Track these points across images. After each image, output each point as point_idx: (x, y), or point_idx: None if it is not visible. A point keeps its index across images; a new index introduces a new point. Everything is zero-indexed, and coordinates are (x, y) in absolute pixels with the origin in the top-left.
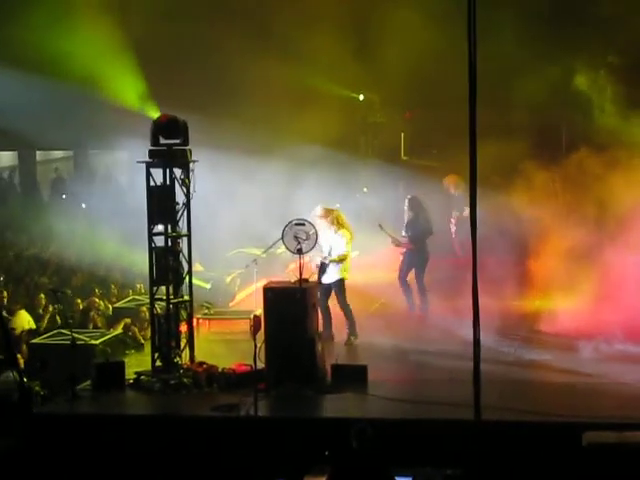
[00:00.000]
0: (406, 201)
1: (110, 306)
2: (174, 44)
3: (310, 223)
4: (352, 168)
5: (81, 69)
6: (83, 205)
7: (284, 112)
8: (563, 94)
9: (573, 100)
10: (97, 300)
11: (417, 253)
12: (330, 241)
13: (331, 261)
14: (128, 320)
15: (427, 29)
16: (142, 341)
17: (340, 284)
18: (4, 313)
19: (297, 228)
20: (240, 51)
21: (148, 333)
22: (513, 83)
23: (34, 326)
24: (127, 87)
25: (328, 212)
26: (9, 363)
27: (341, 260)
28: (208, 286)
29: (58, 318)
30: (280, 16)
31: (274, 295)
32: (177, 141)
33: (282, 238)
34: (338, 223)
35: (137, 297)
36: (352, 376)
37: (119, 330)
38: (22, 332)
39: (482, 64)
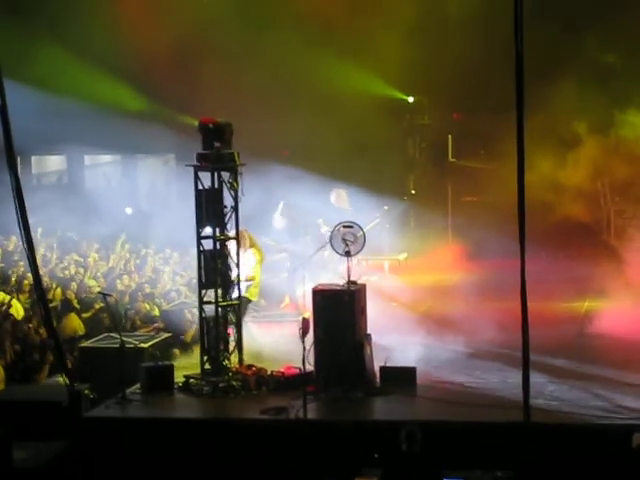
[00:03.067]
0: None
1: (157, 308)
2: (225, 47)
3: (358, 225)
4: (400, 170)
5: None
6: (129, 210)
7: (332, 114)
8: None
9: None
10: (142, 304)
11: None
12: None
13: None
14: (158, 325)
15: (476, 31)
16: (187, 341)
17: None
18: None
19: (345, 230)
20: (294, 54)
21: (189, 336)
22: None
23: (84, 330)
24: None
25: (241, 232)
26: (59, 367)
27: (249, 280)
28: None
29: (107, 321)
30: (337, 19)
31: (323, 298)
32: (225, 145)
33: (330, 241)
34: (250, 243)
35: (185, 300)
36: (401, 378)
37: (167, 333)
38: (72, 335)
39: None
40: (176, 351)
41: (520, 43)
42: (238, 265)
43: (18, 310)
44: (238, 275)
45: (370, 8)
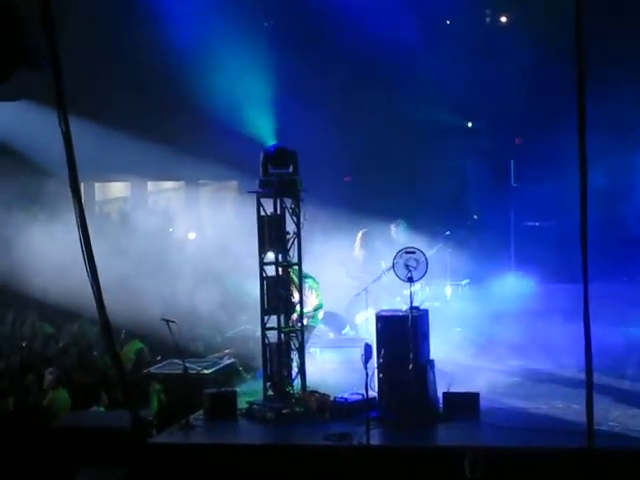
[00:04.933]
0: None
1: (217, 334)
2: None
3: (420, 251)
4: (462, 195)
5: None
6: (191, 235)
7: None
8: None
9: None
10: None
11: None
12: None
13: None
14: (230, 350)
15: (536, 55)
16: (245, 374)
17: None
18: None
19: (407, 256)
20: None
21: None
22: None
23: (148, 356)
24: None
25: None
26: (123, 393)
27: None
28: (321, 315)
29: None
30: None
31: (385, 323)
32: (288, 171)
33: (393, 267)
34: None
35: (248, 326)
36: (464, 404)
37: (230, 359)
38: (135, 361)
39: None
40: (239, 377)
41: (581, 64)
42: (301, 291)
43: None
44: (301, 301)
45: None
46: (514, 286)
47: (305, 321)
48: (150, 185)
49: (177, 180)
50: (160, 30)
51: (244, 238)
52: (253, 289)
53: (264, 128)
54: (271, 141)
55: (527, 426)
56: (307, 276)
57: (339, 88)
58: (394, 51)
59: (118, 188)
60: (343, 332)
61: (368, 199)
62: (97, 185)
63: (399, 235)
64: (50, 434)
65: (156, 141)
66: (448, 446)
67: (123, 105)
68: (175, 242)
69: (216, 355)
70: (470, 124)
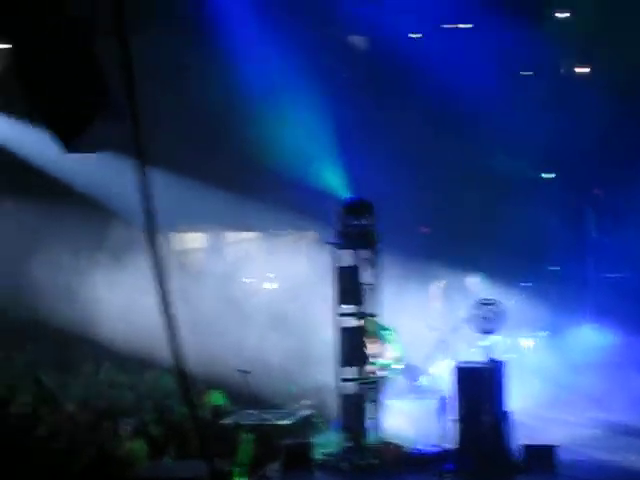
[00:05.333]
0: None
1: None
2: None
3: (498, 302)
4: (540, 246)
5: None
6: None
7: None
8: None
9: None
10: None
11: None
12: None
13: None
14: (307, 402)
15: (614, 105)
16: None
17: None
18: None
19: (485, 308)
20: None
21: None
22: None
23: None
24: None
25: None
26: (200, 444)
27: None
28: (401, 366)
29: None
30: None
31: (463, 374)
32: (365, 222)
33: (470, 318)
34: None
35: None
36: (542, 456)
37: (307, 410)
38: (214, 411)
39: None
40: (315, 428)
41: None
42: (377, 342)
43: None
44: (377, 353)
45: None
46: (592, 338)
47: (383, 372)
48: (227, 235)
49: (254, 231)
50: (239, 80)
51: (319, 288)
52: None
53: (340, 180)
54: (348, 193)
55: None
56: (385, 328)
57: (417, 138)
58: (472, 102)
59: (195, 238)
60: (418, 382)
61: (445, 250)
62: (174, 235)
63: (476, 287)
64: None
65: (233, 192)
66: None
67: (200, 156)
68: (250, 292)
69: (294, 407)
70: (548, 175)
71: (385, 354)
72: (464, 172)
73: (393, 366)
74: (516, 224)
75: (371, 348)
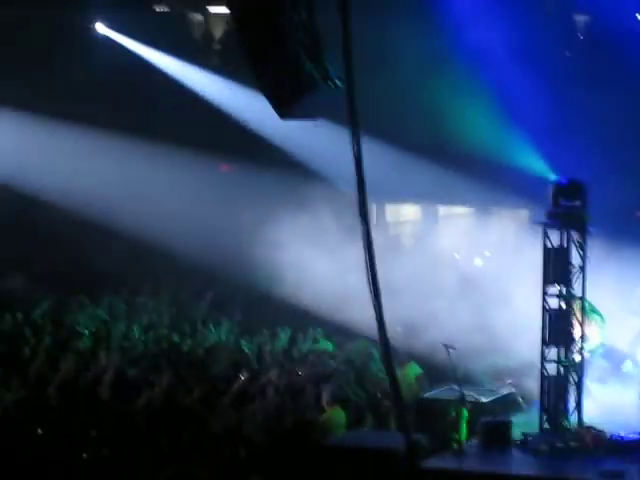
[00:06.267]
0: None
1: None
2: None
3: None
4: None
5: None
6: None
7: None
8: None
9: None
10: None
11: None
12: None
13: None
14: (510, 380)
15: None
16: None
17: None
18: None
19: None
20: None
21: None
22: None
23: (425, 381)
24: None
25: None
26: (398, 416)
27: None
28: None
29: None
30: None
31: None
32: (576, 203)
33: None
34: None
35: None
36: None
37: (510, 389)
38: (412, 384)
39: None
40: (517, 407)
41: None
42: (583, 325)
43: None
44: (582, 335)
45: None
46: None
47: (586, 355)
48: (441, 209)
49: (467, 206)
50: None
51: (528, 268)
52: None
53: (554, 159)
54: (560, 174)
55: None
56: (595, 311)
57: (633, 122)
58: None
59: (410, 211)
60: (623, 368)
61: None
62: (389, 207)
63: None
64: (324, 452)
65: (449, 166)
66: None
67: (419, 129)
68: (460, 268)
69: (496, 384)
70: None
71: (592, 338)
72: None
73: (595, 351)
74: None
75: (578, 329)
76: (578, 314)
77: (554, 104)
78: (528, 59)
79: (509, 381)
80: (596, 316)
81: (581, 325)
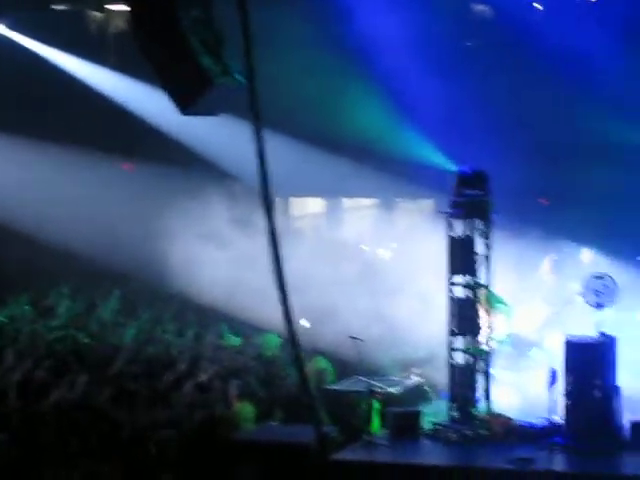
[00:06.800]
0: None
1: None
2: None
3: (610, 277)
4: None
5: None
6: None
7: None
8: None
9: None
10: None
11: None
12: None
13: None
14: (417, 370)
15: None
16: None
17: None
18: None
19: (596, 282)
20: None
21: None
22: None
23: (330, 370)
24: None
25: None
26: (308, 409)
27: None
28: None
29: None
30: None
31: (573, 349)
32: (479, 192)
33: (582, 292)
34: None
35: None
36: None
37: (417, 379)
38: (316, 377)
39: None
40: (425, 397)
41: None
42: (489, 313)
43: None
44: (489, 324)
45: None
46: None
47: (493, 344)
48: (345, 202)
49: (372, 198)
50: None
51: (433, 258)
52: None
53: (456, 150)
54: (464, 163)
55: None
56: (499, 300)
57: (536, 109)
58: (600, 71)
59: (314, 204)
60: (529, 355)
61: (561, 223)
62: (293, 200)
63: (590, 260)
64: (234, 447)
65: (352, 158)
66: (633, 475)
67: (316, 122)
68: (367, 260)
69: (403, 375)
70: None
71: (499, 328)
72: (585, 143)
73: (503, 340)
74: (635, 197)
75: (484, 319)
76: (484, 303)
77: (453, 94)
78: (424, 48)
79: (415, 371)
80: (502, 307)
81: (488, 314)
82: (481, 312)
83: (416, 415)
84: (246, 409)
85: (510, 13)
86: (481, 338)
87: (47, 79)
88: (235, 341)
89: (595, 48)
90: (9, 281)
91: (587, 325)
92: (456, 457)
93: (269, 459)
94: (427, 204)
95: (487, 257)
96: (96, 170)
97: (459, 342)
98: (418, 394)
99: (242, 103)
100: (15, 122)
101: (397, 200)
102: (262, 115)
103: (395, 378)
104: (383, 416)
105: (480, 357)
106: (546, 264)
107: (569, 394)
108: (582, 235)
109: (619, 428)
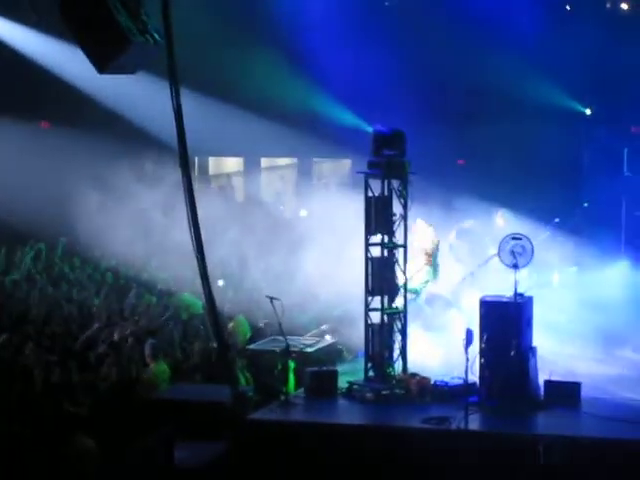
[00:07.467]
0: None
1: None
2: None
3: (527, 238)
4: (573, 183)
5: None
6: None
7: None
8: None
9: None
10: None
11: None
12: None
13: None
14: (327, 326)
15: None
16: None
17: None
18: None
19: (514, 242)
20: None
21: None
22: None
23: (248, 333)
24: None
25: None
26: (224, 368)
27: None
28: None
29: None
30: None
31: (489, 309)
32: (397, 152)
33: (498, 252)
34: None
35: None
36: (565, 393)
37: (333, 338)
38: (238, 337)
39: None
40: (341, 356)
41: None
42: (405, 273)
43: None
44: (405, 284)
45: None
46: (623, 275)
47: (411, 297)
48: (264, 161)
49: (291, 157)
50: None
51: (352, 218)
52: None
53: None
54: (381, 123)
55: (628, 418)
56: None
57: (451, 71)
58: (514, 34)
59: (232, 163)
60: (446, 315)
61: (479, 184)
62: (211, 159)
63: (506, 221)
64: (150, 406)
65: (272, 117)
66: (547, 434)
67: (238, 79)
68: (286, 219)
69: (314, 332)
70: (588, 111)
71: (415, 277)
72: (503, 104)
73: (418, 290)
74: (552, 159)
75: (402, 278)
76: (401, 262)
77: (371, 56)
78: (341, 9)
79: (326, 327)
80: (429, 269)
81: (404, 273)
82: (398, 271)
83: (332, 374)
84: (162, 369)
85: None
86: (397, 297)
87: None
88: (152, 301)
89: (508, 7)
90: None
91: (503, 286)
92: (372, 416)
93: (185, 418)
94: (345, 164)
95: (404, 217)
96: (18, 131)
97: (376, 301)
98: (334, 354)
99: (160, 61)
100: None
101: (315, 160)
102: (179, 73)
103: (311, 337)
104: (299, 375)
105: (396, 316)
106: (463, 225)
107: (485, 354)
108: (498, 196)
109: (534, 388)
